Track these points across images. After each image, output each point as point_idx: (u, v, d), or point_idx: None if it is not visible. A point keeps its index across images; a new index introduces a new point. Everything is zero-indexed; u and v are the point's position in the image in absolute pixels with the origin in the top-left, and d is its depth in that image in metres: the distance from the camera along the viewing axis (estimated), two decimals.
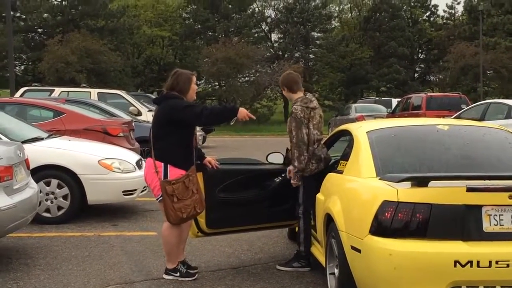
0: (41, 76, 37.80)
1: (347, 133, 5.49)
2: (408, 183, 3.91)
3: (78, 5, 44.26)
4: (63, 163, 7.74)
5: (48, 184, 7.70)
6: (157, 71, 50.04)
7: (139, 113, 15.31)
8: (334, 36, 53.44)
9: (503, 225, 3.88)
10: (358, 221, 4.11)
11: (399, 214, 3.83)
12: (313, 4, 52.16)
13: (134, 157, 8.62)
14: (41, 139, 8.10)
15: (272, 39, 54.99)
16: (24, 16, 45.28)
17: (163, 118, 5.28)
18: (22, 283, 5.28)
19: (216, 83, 45.86)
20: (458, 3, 53.26)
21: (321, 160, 5.66)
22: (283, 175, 5.88)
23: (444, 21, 54.95)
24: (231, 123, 5.40)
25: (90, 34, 40.33)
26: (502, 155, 4.73)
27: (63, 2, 45.01)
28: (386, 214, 3.86)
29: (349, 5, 58.82)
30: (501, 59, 40.97)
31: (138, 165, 8.32)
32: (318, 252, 5.46)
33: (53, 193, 7.71)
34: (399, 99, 26.58)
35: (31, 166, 6.75)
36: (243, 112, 5.23)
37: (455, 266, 3.74)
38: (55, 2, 45.50)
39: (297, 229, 5.83)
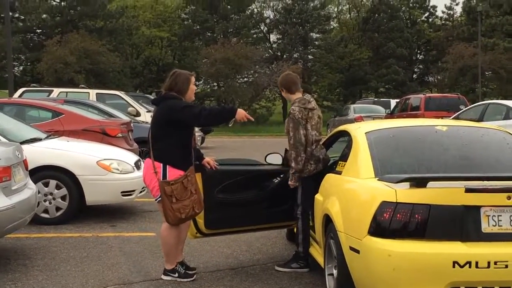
0: (40, 77, 37.78)
1: (345, 134, 5.49)
2: (407, 184, 3.91)
3: (77, 6, 44.24)
4: (61, 163, 7.73)
5: (46, 184, 7.69)
6: (156, 71, 50.05)
7: (137, 114, 15.29)
8: (332, 37, 53.51)
9: (501, 225, 3.88)
10: (357, 221, 4.11)
11: (398, 215, 3.83)
12: (312, 5, 52.22)
13: (132, 157, 8.62)
14: (40, 139, 8.09)
15: (271, 40, 55.05)
16: (23, 17, 45.28)
17: (161, 118, 5.28)
18: (20, 284, 5.28)
19: (215, 84, 45.87)
20: (457, 4, 53.39)
21: (319, 161, 5.66)
22: (281, 175, 5.88)
23: (443, 22, 55.04)
24: (230, 125, 5.40)
25: (88, 35, 40.33)
26: (501, 156, 4.74)
27: (62, 3, 44.99)
28: (385, 214, 3.86)
29: (347, 6, 58.88)
30: (499, 60, 41.05)
31: (137, 165, 8.31)
32: (317, 253, 5.46)
33: (51, 193, 7.70)
34: (398, 100, 26.58)
35: (30, 167, 6.74)
36: (241, 113, 5.23)
37: (453, 266, 3.74)
38: (54, 3, 45.48)
39: (295, 230, 5.83)
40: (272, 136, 30.19)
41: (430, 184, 3.90)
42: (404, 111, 21.89)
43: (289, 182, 5.62)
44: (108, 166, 7.89)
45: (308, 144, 5.58)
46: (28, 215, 6.10)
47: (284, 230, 6.88)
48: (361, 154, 4.71)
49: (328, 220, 4.73)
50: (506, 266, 3.75)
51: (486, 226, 3.87)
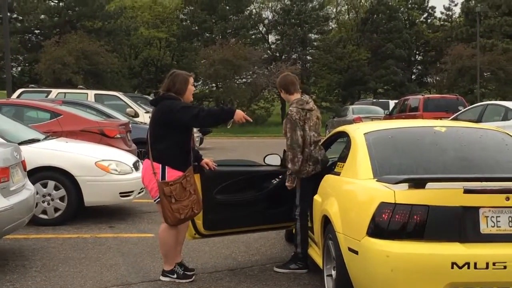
0: (38, 78, 37.76)
1: (344, 134, 5.49)
2: (406, 185, 3.90)
3: (75, 7, 44.22)
4: (60, 164, 7.72)
5: (45, 185, 7.68)
6: (154, 72, 50.06)
7: (136, 115, 15.28)
8: (331, 38, 53.51)
9: (500, 226, 3.88)
10: (355, 222, 4.11)
11: (397, 216, 3.83)
12: (310, 5, 52.27)
13: (131, 158, 8.61)
14: (38, 140, 8.08)
15: (270, 40, 55.09)
16: (21, 17, 45.23)
17: (160, 119, 5.28)
18: (19, 285, 5.27)
19: (213, 85, 45.89)
20: (455, 5, 53.49)
21: (318, 162, 5.65)
22: (280, 176, 5.88)
23: (442, 23, 55.11)
24: (228, 126, 5.39)
25: (87, 36, 40.31)
26: (499, 157, 4.74)
27: (60, 3, 44.97)
28: (384, 215, 3.86)
29: (346, 6, 58.89)
30: (498, 61, 41.10)
31: (135, 166, 8.31)
32: (316, 253, 5.46)
33: (50, 194, 7.69)
34: (397, 101, 26.59)
35: (28, 168, 6.73)
36: (239, 114, 5.22)
37: (452, 267, 3.74)
38: (52, 3, 45.46)
39: (294, 230, 5.83)
40: (271, 137, 30.18)
41: (429, 185, 3.90)
42: (402, 112, 21.90)
43: (286, 183, 5.62)
44: (107, 167, 7.89)
45: (306, 145, 5.58)
46: (26, 216, 6.09)
47: (282, 231, 6.88)
48: (360, 155, 4.71)
49: (326, 221, 4.73)
50: (505, 267, 3.75)
51: (485, 227, 3.87)
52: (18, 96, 16.72)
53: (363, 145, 4.77)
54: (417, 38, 53.82)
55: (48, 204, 7.69)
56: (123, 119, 12.40)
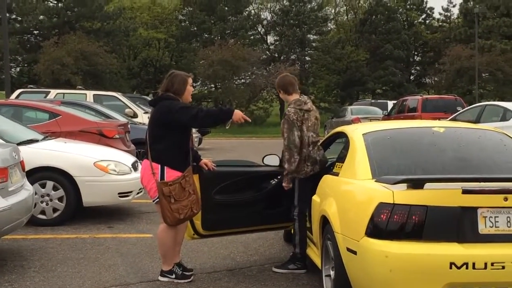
0: (37, 78, 37.75)
1: (343, 135, 5.49)
2: (404, 185, 3.91)
3: (74, 7, 44.21)
4: (58, 165, 7.72)
5: (43, 186, 7.68)
6: (153, 73, 50.05)
7: (135, 115, 15.30)
8: (330, 39, 53.54)
9: (498, 227, 3.88)
10: (354, 223, 4.11)
11: (395, 216, 3.83)
12: (309, 6, 52.30)
13: (129, 159, 8.61)
14: (37, 141, 8.08)
15: (268, 41, 55.07)
16: (20, 18, 45.20)
17: (159, 119, 5.28)
18: (17, 286, 5.27)
19: (212, 85, 45.89)
20: (454, 6, 53.56)
21: (316, 162, 5.65)
22: (279, 177, 5.89)
23: (440, 23, 55.17)
24: (227, 126, 5.39)
25: (86, 36, 40.33)
26: (497, 157, 4.74)
27: (59, 4, 44.96)
28: (382, 216, 3.86)
29: (345, 7, 58.93)
30: (496, 62, 41.15)
31: (134, 167, 8.31)
32: (314, 254, 5.46)
33: (48, 195, 7.69)
34: (395, 101, 26.60)
35: (27, 168, 6.74)
36: (238, 114, 5.23)
37: (450, 268, 3.74)
38: (51, 4, 45.45)
39: (292, 231, 5.83)
40: (269, 138, 30.18)
41: (427, 185, 3.90)
42: (401, 112, 21.91)
43: (283, 184, 5.63)
44: (105, 167, 7.89)
45: (303, 145, 5.58)
46: (25, 217, 6.09)
47: (281, 231, 6.88)
48: (359, 156, 4.71)
49: (325, 221, 4.73)
50: (503, 267, 3.75)
51: (483, 227, 3.87)
52: (17, 97, 16.74)
53: (362, 146, 4.77)
54: (416, 39, 53.86)
55: (47, 204, 7.69)
56: (122, 119, 12.40)
